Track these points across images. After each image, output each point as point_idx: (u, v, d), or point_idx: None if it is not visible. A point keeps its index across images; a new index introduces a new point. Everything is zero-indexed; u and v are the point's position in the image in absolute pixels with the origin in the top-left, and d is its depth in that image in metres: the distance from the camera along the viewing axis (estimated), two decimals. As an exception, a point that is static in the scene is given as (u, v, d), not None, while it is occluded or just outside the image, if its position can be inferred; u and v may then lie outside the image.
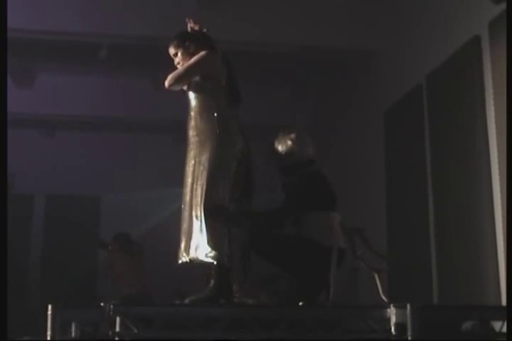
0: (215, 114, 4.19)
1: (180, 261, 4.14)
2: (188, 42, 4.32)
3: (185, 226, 4.14)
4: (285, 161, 4.35)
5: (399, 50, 7.59)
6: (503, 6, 5.22)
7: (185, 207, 4.16)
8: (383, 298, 4.31)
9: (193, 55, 4.29)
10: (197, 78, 4.25)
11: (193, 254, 4.06)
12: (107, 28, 7.54)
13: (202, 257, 4.02)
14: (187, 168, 4.20)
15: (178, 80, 4.22)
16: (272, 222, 4.20)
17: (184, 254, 4.10)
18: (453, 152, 6.31)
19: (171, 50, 4.38)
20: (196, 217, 4.06)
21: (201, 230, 4.03)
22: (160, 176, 9.07)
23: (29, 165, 9.52)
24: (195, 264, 4.10)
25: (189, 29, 4.41)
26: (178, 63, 4.36)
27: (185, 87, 4.31)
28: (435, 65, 6.64)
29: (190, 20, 4.41)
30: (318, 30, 7.72)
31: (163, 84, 4.34)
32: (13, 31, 6.47)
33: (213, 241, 3.99)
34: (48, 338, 3.33)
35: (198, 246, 4.03)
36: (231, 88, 4.27)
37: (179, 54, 4.34)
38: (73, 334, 3.49)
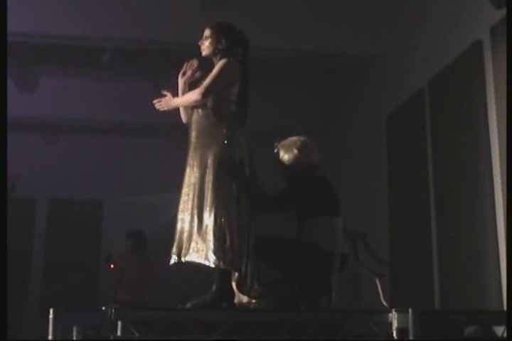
0: (225, 117, 4.18)
1: (172, 262, 4.10)
2: (222, 36, 4.33)
3: (181, 226, 4.10)
4: (290, 169, 4.33)
5: (401, 55, 7.60)
6: (505, 10, 5.22)
7: (184, 208, 4.12)
8: (384, 303, 4.30)
9: (221, 48, 4.30)
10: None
11: (190, 257, 4.02)
12: (110, 32, 7.54)
13: (203, 261, 4.00)
14: (188, 169, 4.15)
15: (208, 92, 4.16)
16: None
17: (180, 255, 4.06)
18: (455, 156, 6.30)
19: (206, 32, 4.38)
20: (199, 220, 4.03)
21: (202, 234, 4.02)
22: (162, 180, 9.06)
23: (31, 168, 9.52)
24: (196, 267, 4.08)
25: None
26: (202, 44, 4.37)
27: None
28: (437, 69, 6.64)
29: None
30: (321, 35, 7.72)
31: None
32: (16, 35, 6.50)
33: (218, 247, 3.98)
34: (50, 342, 3.32)
35: (199, 250, 3.99)
36: (243, 95, 4.26)
37: (208, 40, 4.35)
38: (75, 338, 3.49)
